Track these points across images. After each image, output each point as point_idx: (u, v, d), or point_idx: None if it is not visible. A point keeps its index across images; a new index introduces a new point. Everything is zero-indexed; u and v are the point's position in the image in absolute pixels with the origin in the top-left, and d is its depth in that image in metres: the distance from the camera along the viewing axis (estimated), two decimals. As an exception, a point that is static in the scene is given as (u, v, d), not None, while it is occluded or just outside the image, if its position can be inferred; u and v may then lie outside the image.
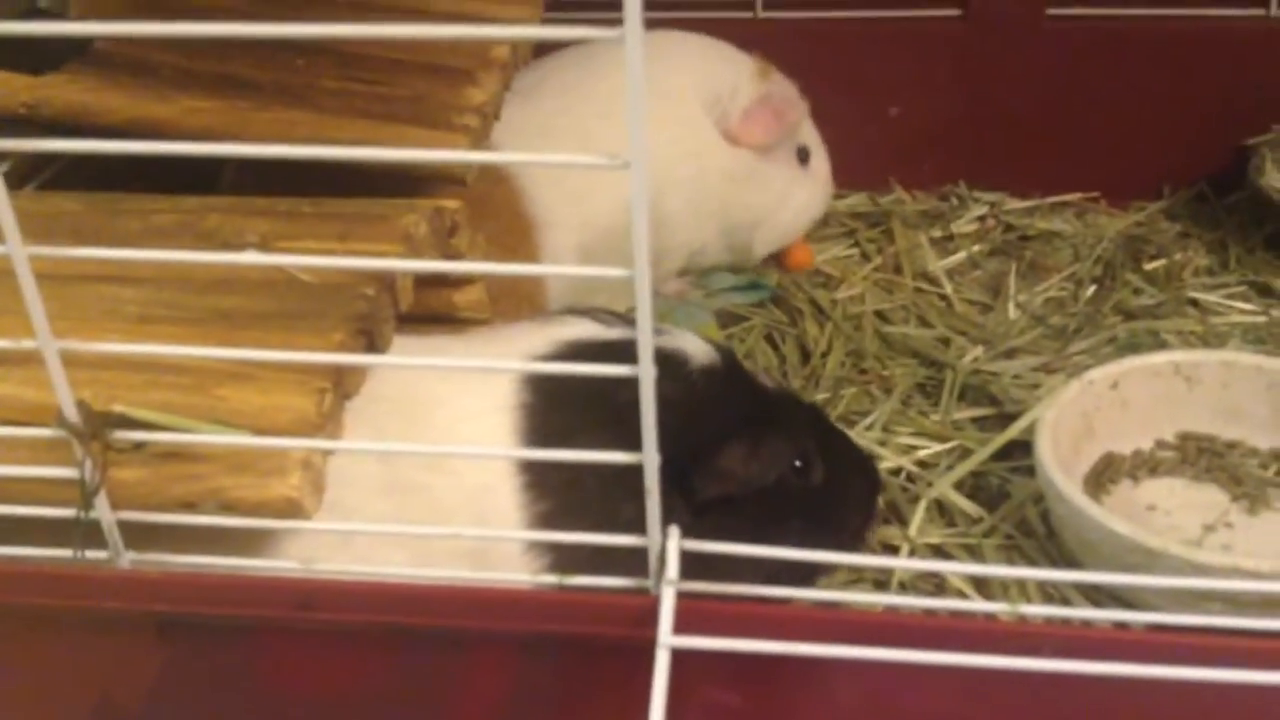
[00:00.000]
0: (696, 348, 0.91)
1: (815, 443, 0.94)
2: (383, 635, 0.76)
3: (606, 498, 0.80)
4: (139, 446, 0.70)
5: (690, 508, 0.83)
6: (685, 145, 1.36)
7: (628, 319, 0.92)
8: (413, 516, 0.83)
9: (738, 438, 0.87)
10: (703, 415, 0.87)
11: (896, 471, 1.16)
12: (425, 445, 0.81)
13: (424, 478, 0.83)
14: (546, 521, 0.83)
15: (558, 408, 0.83)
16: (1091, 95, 1.56)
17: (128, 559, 0.75)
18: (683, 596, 0.69)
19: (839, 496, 0.96)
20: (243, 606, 0.75)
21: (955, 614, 0.80)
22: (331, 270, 0.79)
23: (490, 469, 0.83)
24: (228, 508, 0.71)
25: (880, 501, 1.04)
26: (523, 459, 0.83)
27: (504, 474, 0.83)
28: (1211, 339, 1.30)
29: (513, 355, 0.88)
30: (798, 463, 0.92)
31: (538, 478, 0.83)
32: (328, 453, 0.74)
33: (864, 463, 1.00)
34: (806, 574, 0.91)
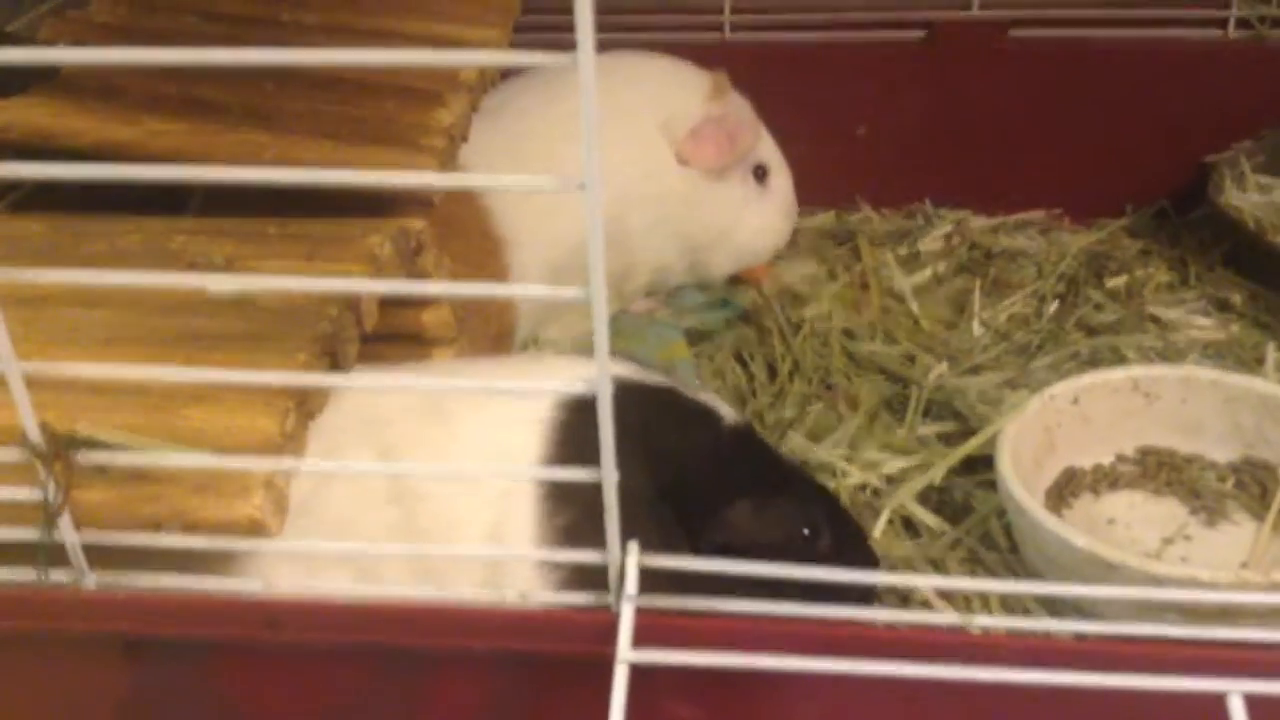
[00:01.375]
0: (727, 410, 0.94)
1: (825, 516, 0.95)
2: (348, 654, 0.77)
3: (626, 516, 0.81)
4: (102, 468, 0.70)
5: (694, 552, 0.84)
6: (643, 166, 1.37)
7: (666, 372, 0.96)
8: (420, 525, 0.83)
9: (750, 495, 0.89)
10: (727, 469, 0.90)
11: (863, 486, 1.17)
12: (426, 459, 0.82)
13: (433, 486, 0.84)
14: (566, 535, 0.83)
15: (586, 426, 0.84)
16: (1054, 115, 1.59)
17: (92, 580, 0.75)
18: (644, 612, 0.70)
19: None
20: (208, 626, 0.75)
21: (916, 626, 0.81)
22: (296, 291, 0.80)
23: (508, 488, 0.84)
24: (191, 528, 0.71)
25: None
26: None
27: (523, 484, 0.84)
28: (1171, 354, 1.32)
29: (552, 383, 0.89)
30: (806, 530, 0.93)
31: (560, 489, 0.84)
32: (291, 473, 0.74)
33: (867, 547, 1.00)
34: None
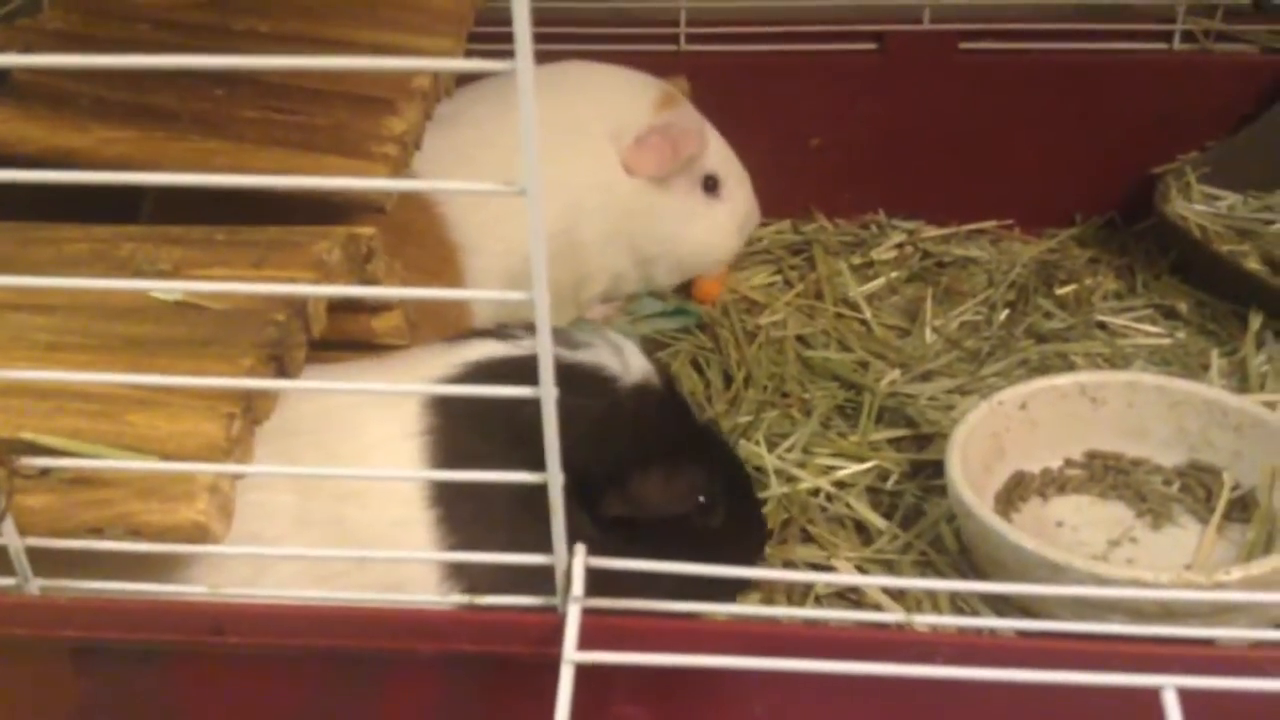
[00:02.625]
0: (631, 366, 0.91)
1: (724, 484, 0.95)
2: (295, 659, 0.77)
3: (513, 526, 0.81)
4: (45, 472, 0.70)
5: (595, 523, 0.84)
6: (594, 176, 1.37)
7: (529, 330, 0.92)
8: (330, 549, 0.83)
9: (657, 465, 0.87)
10: (623, 434, 0.88)
11: (815, 492, 1.18)
12: (331, 468, 0.81)
13: (340, 510, 0.84)
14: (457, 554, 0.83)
15: (464, 431, 0.84)
16: (1004, 126, 1.61)
17: (36, 585, 0.74)
18: (590, 613, 0.71)
19: (731, 542, 0.96)
20: (154, 631, 0.75)
21: (861, 624, 0.82)
22: (242, 296, 0.80)
23: (404, 502, 0.84)
24: (135, 533, 0.71)
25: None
26: (433, 493, 0.84)
27: (417, 507, 0.84)
28: (1119, 361, 1.34)
29: (419, 379, 0.88)
30: (702, 499, 0.92)
31: (448, 510, 0.84)
32: (236, 478, 0.74)
33: (759, 515, 1.01)
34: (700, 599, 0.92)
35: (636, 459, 0.86)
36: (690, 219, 1.44)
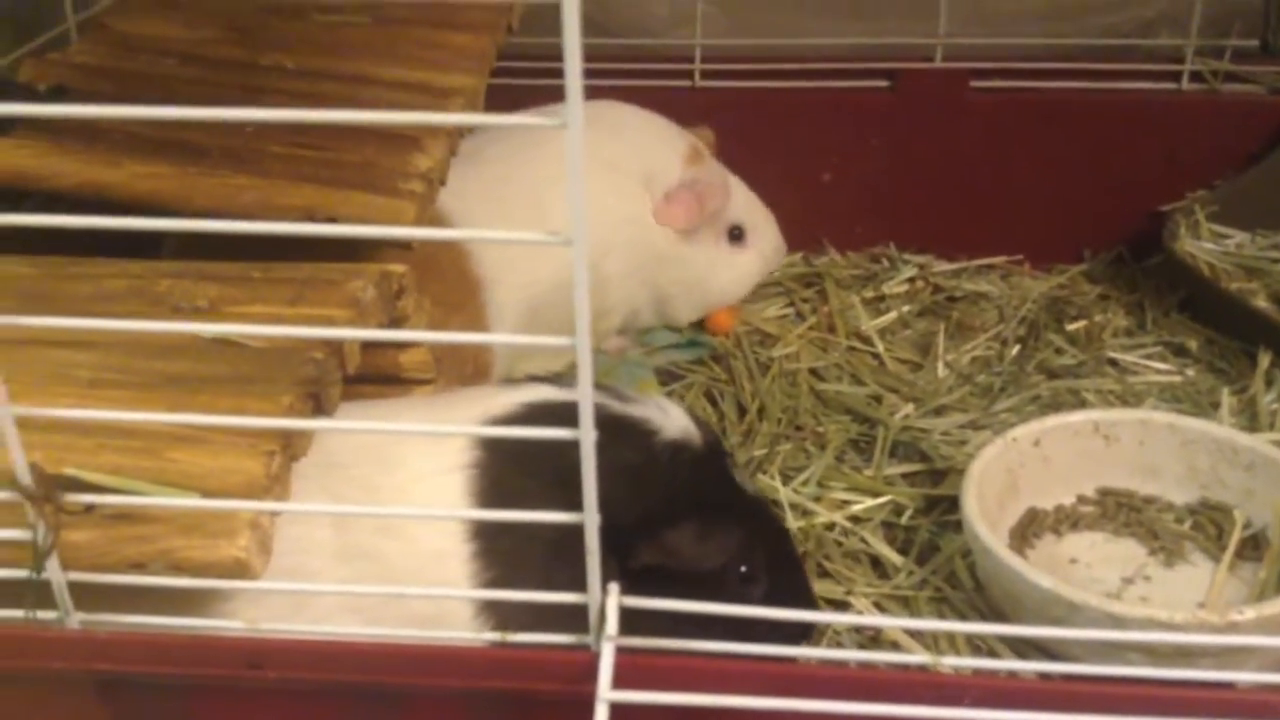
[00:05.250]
0: (673, 423, 0.91)
1: (768, 557, 0.93)
2: (330, 693, 0.77)
3: (548, 565, 0.82)
4: (90, 508, 0.71)
5: (624, 573, 0.85)
6: (622, 212, 1.40)
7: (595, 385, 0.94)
8: (368, 583, 0.84)
9: (693, 519, 0.88)
10: (658, 486, 0.88)
11: (831, 526, 1.19)
12: (372, 506, 0.83)
13: (378, 543, 0.85)
14: (493, 589, 0.84)
15: (510, 468, 0.85)
16: (1015, 163, 1.63)
17: (77, 619, 0.75)
18: (623, 652, 0.72)
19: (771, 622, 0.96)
20: (190, 666, 0.76)
21: (890, 666, 0.83)
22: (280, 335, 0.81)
23: (443, 534, 0.85)
24: (176, 568, 0.72)
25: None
26: (473, 526, 0.85)
27: (456, 540, 0.85)
28: (1129, 398, 1.36)
29: (471, 417, 0.90)
30: (744, 569, 0.91)
31: (487, 544, 0.85)
32: (275, 514, 0.75)
33: (808, 595, 0.98)
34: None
35: (671, 510, 0.87)
36: (715, 268, 1.48)
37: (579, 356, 0.65)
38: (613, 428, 0.88)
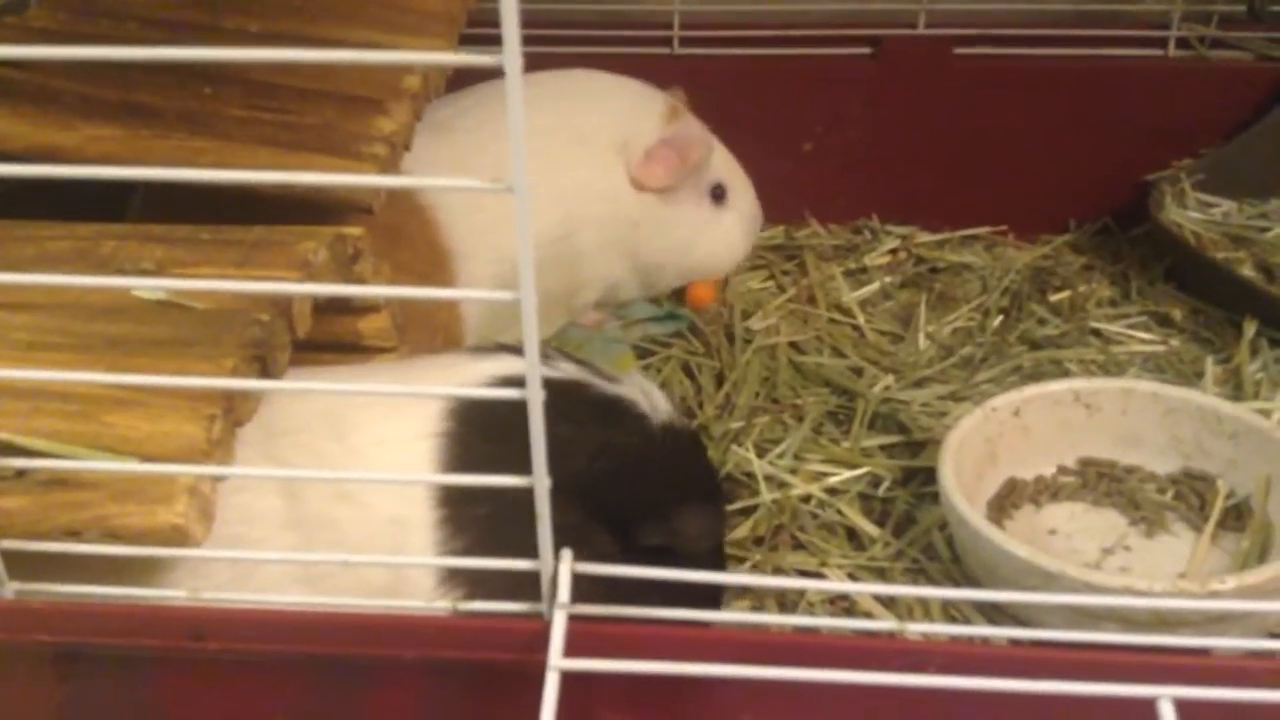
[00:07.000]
0: (661, 405, 0.92)
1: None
2: (277, 664, 0.75)
3: (525, 535, 0.80)
4: (22, 473, 0.69)
5: (624, 551, 0.84)
6: (597, 186, 1.36)
7: (568, 357, 0.93)
8: (320, 552, 0.82)
9: (702, 502, 0.89)
10: (658, 467, 0.88)
11: (806, 498, 1.17)
12: (324, 470, 0.80)
13: (331, 510, 0.82)
14: (461, 557, 0.82)
15: (479, 437, 0.83)
16: (999, 132, 1.60)
17: (11, 589, 0.73)
18: (577, 620, 0.70)
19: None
20: (131, 636, 0.73)
21: (852, 633, 0.81)
22: (227, 296, 0.79)
23: (405, 500, 0.82)
24: (113, 535, 0.69)
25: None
26: (440, 493, 0.82)
27: (421, 506, 0.82)
28: (1112, 368, 1.33)
29: (438, 385, 0.88)
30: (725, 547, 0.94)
31: (454, 511, 0.82)
32: (218, 480, 0.73)
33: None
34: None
35: (677, 494, 0.87)
36: (700, 229, 1.44)
37: (523, 311, 0.62)
38: (608, 409, 0.88)
